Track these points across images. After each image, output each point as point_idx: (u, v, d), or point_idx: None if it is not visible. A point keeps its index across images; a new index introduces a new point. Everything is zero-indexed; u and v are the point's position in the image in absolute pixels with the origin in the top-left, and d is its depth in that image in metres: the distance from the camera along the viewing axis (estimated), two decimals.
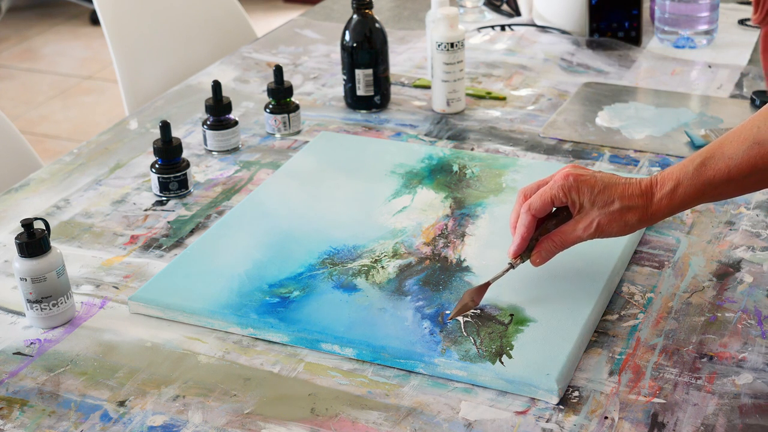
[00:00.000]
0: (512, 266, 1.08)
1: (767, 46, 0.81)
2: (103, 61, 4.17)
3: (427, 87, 1.69)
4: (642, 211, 1.04)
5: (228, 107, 1.48)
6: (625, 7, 1.82)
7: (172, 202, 1.36)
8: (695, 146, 1.44)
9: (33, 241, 1.08)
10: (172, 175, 1.36)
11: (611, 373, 1.00)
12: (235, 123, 1.50)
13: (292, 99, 1.54)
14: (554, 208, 1.08)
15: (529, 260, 1.09)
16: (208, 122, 1.49)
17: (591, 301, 1.08)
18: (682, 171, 1.04)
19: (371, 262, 1.17)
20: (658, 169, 1.39)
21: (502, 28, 1.94)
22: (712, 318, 1.08)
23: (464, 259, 1.17)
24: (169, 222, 1.31)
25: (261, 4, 4.76)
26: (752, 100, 1.58)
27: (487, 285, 1.07)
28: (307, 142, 1.51)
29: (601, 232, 1.05)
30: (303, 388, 1.00)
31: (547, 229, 1.08)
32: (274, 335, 1.07)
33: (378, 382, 1.01)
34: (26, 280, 1.08)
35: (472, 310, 1.07)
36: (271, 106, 1.54)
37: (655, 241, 1.22)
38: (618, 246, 1.17)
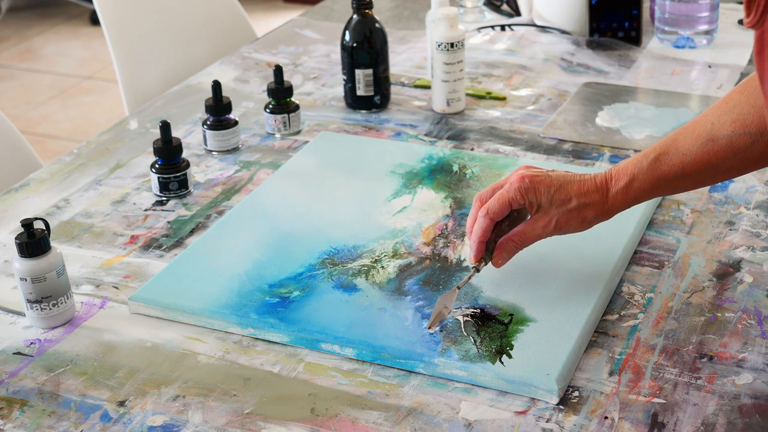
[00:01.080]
0: (477, 269, 1.09)
1: (761, 49, 0.80)
2: (103, 61, 4.17)
3: (427, 87, 1.69)
4: (599, 206, 1.07)
5: (228, 107, 1.48)
6: (625, 7, 1.82)
7: (172, 202, 1.36)
8: None
9: (33, 241, 1.08)
10: (172, 175, 1.36)
11: (611, 373, 1.00)
12: (235, 123, 1.50)
13: (292, 99, 1.54)
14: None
15: (491, 262, 1.09)
16: (208, 122, 1.49)
17: (591, 301, 1.08)
18: (636, 166, 1.06)
19: (371, 262, 1.17)
20: None
21: (502, 28, 1.94)
22: (712, 318, 1.08)
23: (464, 259, 1.17)
24: (169, 222, 1.31)
25: (261, 4, 4.76)
26: None
27: (455, 290, 1.07)
28: (307, 142, 1.51)
29: (559, 230, 1.07)
30: (303, 388, 1.00)
31: (502, 230, 1.09)
32: (274, 335, 1.07)
33: (378, 382, 1.01)
34: (26, 280, 1.08)
35: (472, 310, 1.07)
36: (271, 106, 1.54)
37: (655, 241, 1.22)
38: (618, 246, 1.17)
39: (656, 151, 1.06)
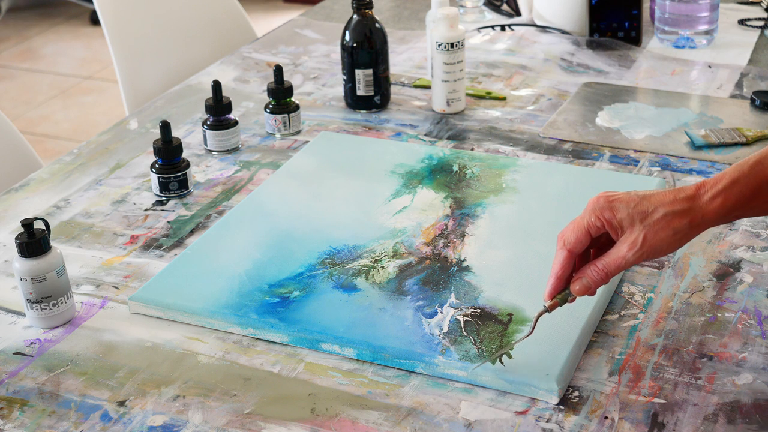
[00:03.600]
0: (546, 309, 0.98)
1: None
2: (103, 61, 4.17)
3: (427, 87, 1.69)
4: (690, 214, 0.93)
5: (228, 107, 1.48)
6: (625, 7, 1.82)
7: (172, 202, 1.36)
8: (695, 146, 1.44)
9: (33, 241, 1.08)
10: (172, 175, 1.36)
11: (611, 373, 1.00)
12: (235, 123, 1.50)
13: (292, 99, 1.54)
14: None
15: (569, 290, 0.98)
16: (208, 122, 1.49)
17: (591, 301, 1.08)
18: (736, 170, 0.94)
19: (371, 262, 1.17)
20: (658, 169, 1.39)
21: (502, 28, 1.94)
22: (712, 318, 1.08)
23: (464, 259, 1.17)
24: (169, 222, 1.31)
25: (261, 4, 4.76)
26: (752, 100, 1.58)
27: (525, 336, 1.00)
28: (307, 142, 1.51)
29: (650, 248, 0.93)
30: (303, 388, 1.00)
31: None
32: (274, 335, 1.07)
33: (378, 382, 1.01)
34: (26, 280, 1.08)
35: (472, 310, 1.07)
36: (271, 106, 1.54)
37: None
38: None
39: (756, 156, 0.95)
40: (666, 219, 0.92)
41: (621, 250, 0.94)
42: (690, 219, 0.93)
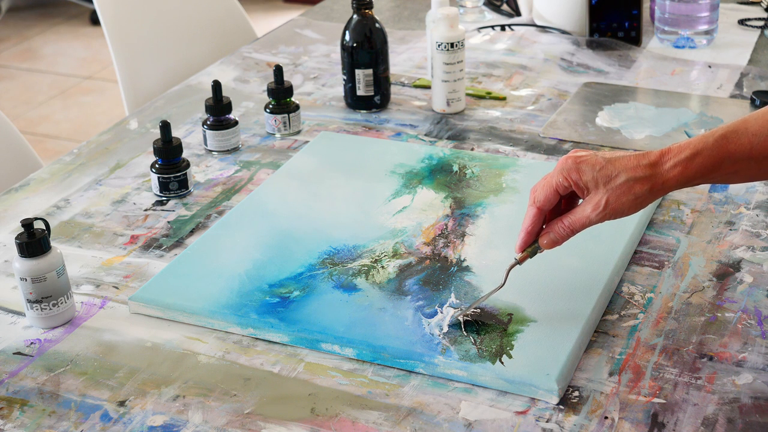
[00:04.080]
0: (517, 261, 1.05)
1: None
2: (103, 61, 4.17)
3: (427, 87, 1.69)
4: (651, 180, 0.98)
5: (228, 107, 1.48)
6: (625, 7, 1.82)
7: (172, 202, 1.36)
8: None
9: (33, 241, 1.08)
10: (172, 175, 1.36)
11: (611, 373, 1.00)
12: (235, 123, 1.50)
13: (292, 99, 1.54)
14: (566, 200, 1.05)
15: (538, 243, 1.05)
16: (208, 122, 1.49)
17: (591, 301, 1.08)
18: (700, 141, 0.98)
19: (371, 262, 1.17)
20: None
21: (502, 28, 1.94)
22: (712, 318, 1.08)
23: (464, 259, 1.17)
24: (169, 222, 1.31)
25: (261, 4, 4.76)
26: (752, 100, 1.58)
27: (497, 288, 1.06)
28: (307, 142, 1.51)
29: (612, 211, 0.99)
30: (303, 388, 1.00)
31: None
32: (274, 335, 1.07)
33: (378, 382, 1.01)
34: (26, 280, 1.08)
35: (473, 310, 1.07)
36: (271, 106, 1.54)
37: (655, 241, 1.22)
38: (618, 246, 1.17)
39: (723, 130, 0.99)
40: (628, 184, 0.98)
41: (585, 210, 1.00)
42: (651, 185, 0.98)
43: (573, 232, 1.02)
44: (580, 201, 1.04)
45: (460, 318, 1.05)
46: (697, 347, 1.03)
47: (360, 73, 1.58)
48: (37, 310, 1.09)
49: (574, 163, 1.00)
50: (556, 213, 1.05)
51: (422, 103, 1.63)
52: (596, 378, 1.00)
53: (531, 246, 1.05)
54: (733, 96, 1.62)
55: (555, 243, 1.04)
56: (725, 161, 0.98)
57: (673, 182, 0.99)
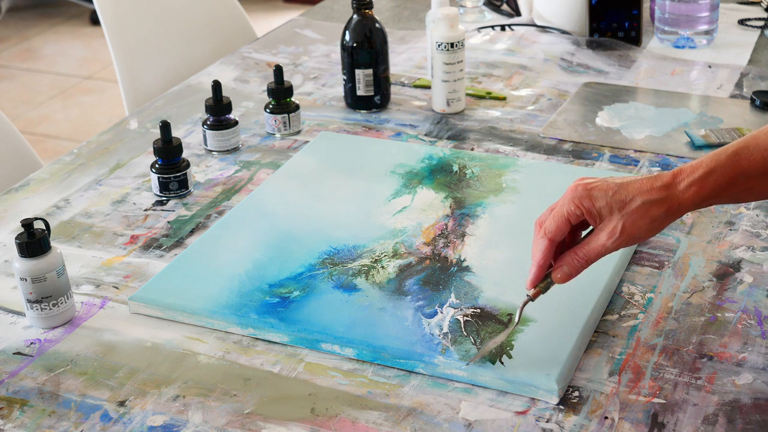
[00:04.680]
0: (530, 298, 1.00)
1: None
2: (103, 61, 4.17)
3: (427, 87, 1.69)
4: (667, 202, 0.95)
5: (228, 107, 1.48)
6: (625, 7, 1.82)
7: (172, 202, 1.36)
8: (695, 146, 1.44)
9: (33, 241, 1.08)
10: (172, 175, 1.36)
11: (611, 373, 1.00)
12: (235, 123, 1.50)
13: (292, 99, 1.54)
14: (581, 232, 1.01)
15: (551, 277, 1.00)
16: (208, 122, 1.49)
17: (591, 301, 1.08)
18: (713, 159, 0.96)
19: (371, 262, 1.17)
20: (658, 169, 1.39)
21: (502, 28, 1.94)
22: (712, 318, 1.08)
23: (464, 259, 1.17)
24: (169, 222, 1.31)
25: (261, 4, 4.76)
26: (752, 100, 1.58)
27: (511, 327, 1.02)
28: (307, 142, 1.51)
29: (629, 237, 0.95)
30: (303, 388, 1.00)
31: None
32: (274, 335, 1.07)
33: (378, 382, 1.01)
34: (26, 280, 1.08)
35: (473, 310, 1.07)
36: (271, 106, 1.54)
37: (655, 241, 1.22)
38: None
39: (734, 147, 0.96)
40: (644, 208, 0.95)
41: (600, 239, 0.96)
42: (667, 207, 0.95)
43: (588, 263, 0.98)
44: (584, 233, 1.01)
45: (461, 314, 1.05)
46: (697, 347, 1.03)
47: (360, 73, 1.58)
48: (37, 310, 1.09)
49: (585, 190, 0.96)
50: (561, 246, 1.01)
51: (422, 103, 1.63)
52: (596, 378, 1.00)
53: (543, 281, 1.00)
54: (733, 96, 1.62)
55: (569, 276, 0.99)
56: (739, 178, 0.96)
57: (689, 203, 0.96)
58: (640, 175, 0.97)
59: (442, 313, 1.07)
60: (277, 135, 1.54)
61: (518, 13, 2.02)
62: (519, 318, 1.01)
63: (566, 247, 1.00)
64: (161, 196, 1.37)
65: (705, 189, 0.95)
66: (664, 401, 0.96)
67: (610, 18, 1.83)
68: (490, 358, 1.00)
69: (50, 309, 1.09)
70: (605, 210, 0.95)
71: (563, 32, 1.88)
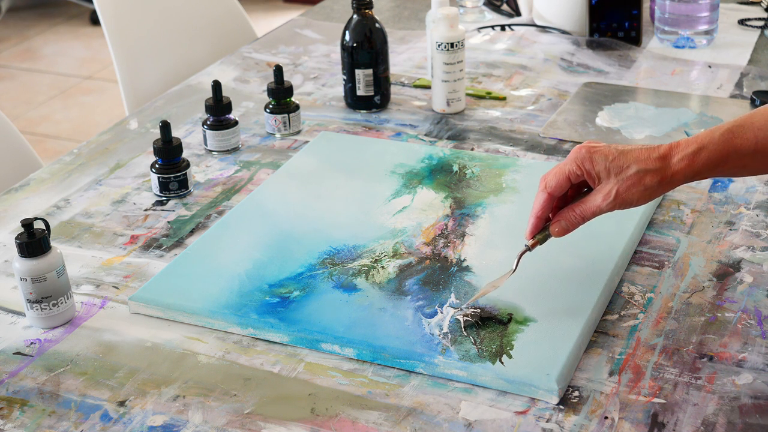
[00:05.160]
0: (528, 248, 1.06)
1: None
2: (103, 61, 4.17)
3: (427, 87, 1.69)
4: (660, 173, 1.01)
5: (228, 107, 1.48)
6: (625, 7, 1.82)
7: (172, 202, 1.36)
8: None
9: (33, 241, 1.08)
10: (172, 175, 1.36)
11: (611, 373, 1.00)
12: (235, 123, 1.50)
13: (292, 99, 1.54)
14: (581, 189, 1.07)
15: (549, 230, 1.06)
16: (208, 122, 1.49)
17: (591, 301, 1.08)
18: (707, 136, 1.01)
19: (371, 262, 1.17)
20: None
21: (502, 28, 1.94)
22: (712, 318, 1.08)
23: (464, 259, 1.17)
24: (169, 222, 1.31)
25: (261, 4, 4.76)
26: (752, 100, 1.58)
27: (509, 272, 1.07)
28: (307, 142, 1.51)
29: (622, 201, 1.02)
30: (303, 388, 1.00)
31: None
32: (274, 335, 1.07)
33: (378, 382, 1.01)
34: (26, 280, 1.08)
35: (472, 310, 1.07)
36: (271, 106, 1.54)
37: (655, 241, 1.22)
38: (618, 246, 1.17)
39: (729, 125, 1.02)
40: (638, 175, 1.01)
41: (596, 200, 1.02)
42: (660, 177, 1.01)
43: (584, 219, 1.04)
44: (585, 190, 1.06)
45: (461, 314, 1.05)
46: (697, 347, 1.03)
47: (360, 73, 1.58)
48: (37, 310, 1.09)
49: (588, 152, 1.02)
50: (563, 202, 1.07)
51: (422, 103, 1.63)
52: (596, 378, 1.00)
53: (541, 233, 1.06)
54: (733, 96, 1.62)
55: (566, 231, 1.05)
56: (731, 155, 1.01)
57: (680, 175, 1.01)
58: (642, 144, 1.03)
59: (442, 313, 1.07)
60: (277, 135, 1.54)
61: (518, 13, 2.02)
62: (517, 266, 1.06)
63: (567, 204, 1.06)
64: (161, 196, 1.37)
65: (696, 163, 1.01)
66: (664, 401, 0.96)
67: (610, 18, 1.83)
68: (490, 358, 1.00)
69: (50, 309, 1.09)
70: (603, 173, 1.02)
71: (563, 32, 1.88)
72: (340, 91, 1.69)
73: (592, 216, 1.04)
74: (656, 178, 1.01)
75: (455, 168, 1.38)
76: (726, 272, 1.16)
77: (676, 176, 1.01)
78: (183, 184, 1.37)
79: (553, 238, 1.07)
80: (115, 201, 1.37)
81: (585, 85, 1.67)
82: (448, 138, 1.51)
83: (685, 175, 1.01)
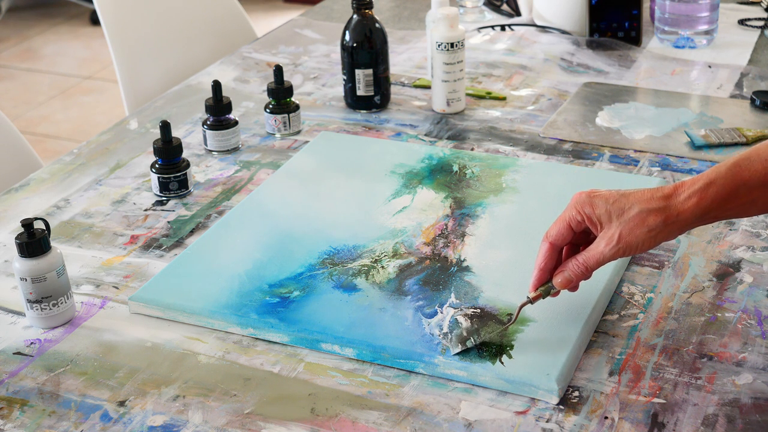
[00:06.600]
0: (530, 300, 1.02)
1: None
2: (103, 61, 4.17)
3: (427, 87, 1.69)
4: (664, 212, 0.95)
5: (228, 107, 1.48)
6: (625, 7, 1.82)
7: (172, 202, 1.36)
8: (695, 146, 1.44)
9: (33, 241, 1.08)
10: (172, 175, 1.36)
11: (611, 373, 1.00)
12: (235, 123, 1.50)
13: (292, 99, 1.54)
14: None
15: (551, 283, 1.02)
16: (208, 122, 1.49)
17: (591, 301, 1.08)
18: (713, 171, 0.97)
19: (371, 262, 1.17)
20: (658, 169, 1.39)
21: (502, 28, 1.94)
22: (712, 318, 1.08)
23: (464, 259, 1.17)
24: (169, 222, 1.31)
25: (261, 4, 4.76)
26: (752, 100, 1.58)
27: (509, 324, 1.03)
28: (307, 142, 1.51)
29: (626, 245, 0.96)
30: (303, 388, 1.00)
31: None
32: (274, 335, 1.07)
33: (378, 382, 1.01)
34: (26, 280, 1.08)
35: (472, 310, 1.07)
36: (271, 106, 1.54)
37: None
38: None
39: (735, 158, 0.97)
40: (641, 216, 0.96)
41: (599, 246, 0.98)
42: (665, 217, 0.96)
43: (588, 269, 1.00)
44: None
45: (462, 314, 1.05)
46: (697, 347, 1.03)
47: (360, 73, 1.58)
48: (37, 310, 1.09)
49: (588, 197, 0.98)
50: (574, 254, 1.02)
51: (422, 103, 1.63)
52: (596, 378, 1.00)
53: (545, 285, 1.02)
54: (733, 96, 1.62)
55: (569, 282, 1.01)
56: (740, 189, 0.96)
57: (688, 213, 0.96)
58: (645, 188, 0.98)
59: (442, 313, 1.07)
60: (277, 135, 1.54)
61: (518, 13, 2.02)
62: (516, 318, 1.02)
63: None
64: (161, 196, 1.37)
65: (705, 200, 0.96)
66: (664, 401, 0.96)
67: (610, 18, 1.83)
68: (490, 358, 1.00)
69: (50, 309, 1.09)
70: (604, 217, 0.97)
71: (563, 32, 1.88)
72: (340, 91, 1.69)
73: (596, 264, 0.99)
74: (660, 218, 0.95)
75: (455, 168, 1.38)
76: (726, 272, 1.16)
77: (682, 215, 0.96)
78: (183, 184, 1.37)
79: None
80: (115, 201, 1.37)
81: (585, 85, 1.67)
82: (448, 138, 1.51)
83: (693, 213, 0.96)
